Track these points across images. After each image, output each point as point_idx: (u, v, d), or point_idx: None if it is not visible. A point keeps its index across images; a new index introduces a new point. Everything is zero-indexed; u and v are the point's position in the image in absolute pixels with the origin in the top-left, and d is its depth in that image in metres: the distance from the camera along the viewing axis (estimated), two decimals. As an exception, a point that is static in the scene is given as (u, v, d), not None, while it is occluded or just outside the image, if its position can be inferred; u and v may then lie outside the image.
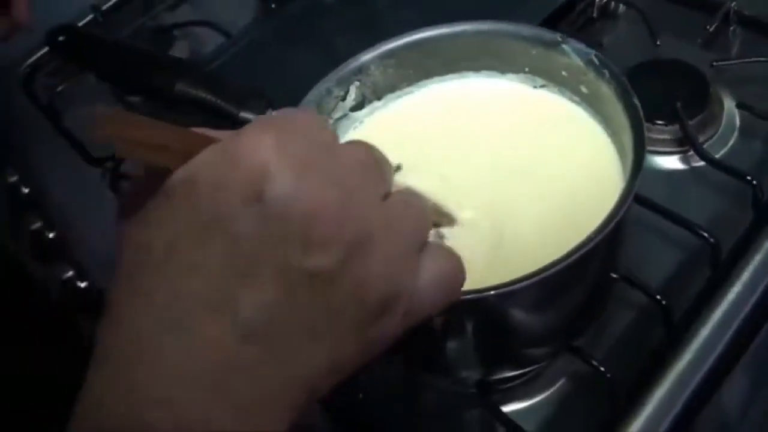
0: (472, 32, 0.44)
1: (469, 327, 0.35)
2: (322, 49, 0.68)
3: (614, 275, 0.41)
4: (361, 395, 0.45)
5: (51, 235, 0.64)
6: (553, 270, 0.31)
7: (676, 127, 0.53)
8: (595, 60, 0.40)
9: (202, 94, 0.38)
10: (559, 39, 0.41)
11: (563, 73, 0.42)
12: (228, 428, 0.24)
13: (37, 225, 0.64)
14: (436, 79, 0.46)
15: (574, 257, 0.32)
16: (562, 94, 0.43)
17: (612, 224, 0.32)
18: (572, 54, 0.41)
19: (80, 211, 0.63)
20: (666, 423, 0.40)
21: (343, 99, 0.44)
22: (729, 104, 0.56)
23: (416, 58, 0.45)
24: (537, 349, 0.40)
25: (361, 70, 0.44)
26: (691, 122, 0.53)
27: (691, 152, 0.53)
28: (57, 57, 0.74)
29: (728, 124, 0.55)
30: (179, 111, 0.39)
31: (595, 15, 0.65)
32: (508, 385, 0.44)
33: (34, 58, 0.74)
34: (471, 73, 0.46)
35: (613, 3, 0.66)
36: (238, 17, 0.75)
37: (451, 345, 0.37)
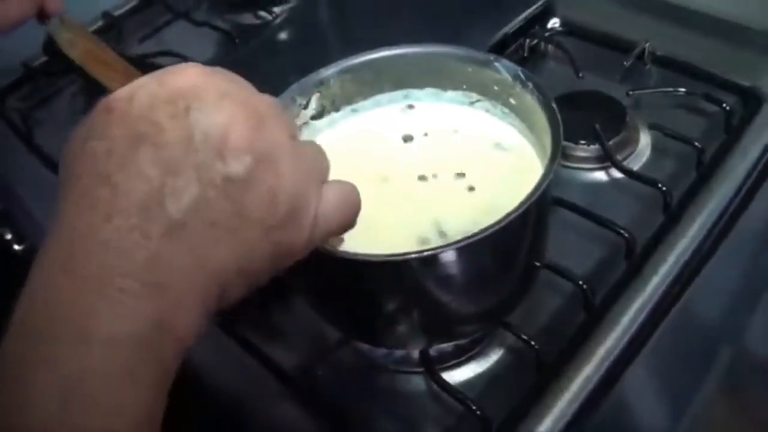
0: (417, 53, 0.50)
1: (403, 291, 0.41)
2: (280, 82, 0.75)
3: (537, 263, 0.47)
4: (320, 372, 0.49)
5: (18, 248, 0.68)
6: (471, 240, 0.37)
7: (597, 145, 0.61)
8: (521, 74, 0.46)
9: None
10: (492, 58, 0.48)
11: (495, 87, 0.49)
12: (149, 314, 0.27)
13: (7, 237, 0.67)
14: (387, 94, 0.52)
15: (489, 231, 0.37)
16: (494, 106, 0.50)
17: (526, 205, 0.38)
18: (502, 70, 0.48)
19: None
20: (586, 391, 0.46)
21: (305, 107, 0.50)
22: (643, 127, 0.63)
23: (369, 75, 0.51)
24: (471, 321, 0.45)
25: (322, 83, 0.50)
26: (609, 142, 0.61)
27: (611, 167, 0.60)
28: (30, 81, 0.79)
29: (644, 144, 0.63)
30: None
31: (525, 54, 0.73)
32: (452, 362, 0.50)
33: (7, 81, 0.78)
34: (416, 90, 0.52)
35: (542, 43, 0.74)
36: (204, 50, 0.81)
37: (390, 308, 0.42)
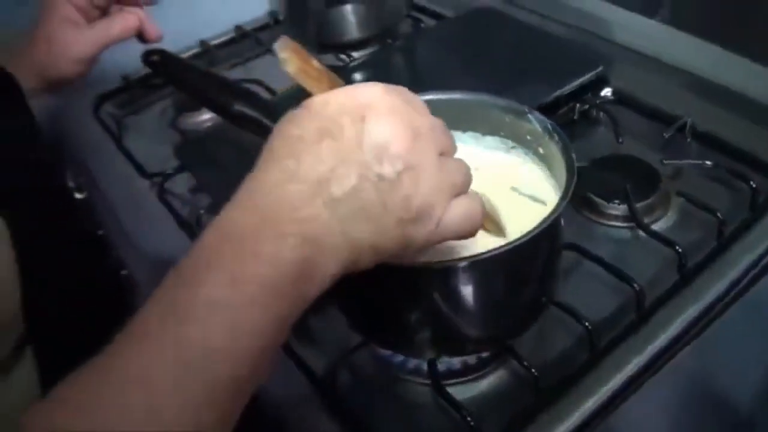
0: (464, 100, 0.57)
1: (418, 299, 0.47)
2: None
3: (544, 297, 0.51)
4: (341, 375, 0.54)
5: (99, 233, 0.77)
6: (478, 257, 0.43)
7: (626, 205, 0.65)
8: (549, 126, 0.52)
9: (255, 114, 0.51)
10: (526, 110, 0.54)
11: (528, 137, 0.55)
12: (301, 254, 0.36)
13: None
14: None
15: (498, 251, 0.43)
16: (526, 154, 0.56)
17: (534, 232, 0.44)
18: (534, 122, 0.53)
19: (128, 215, 0.75)
20: (578, 419, 0.50)
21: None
22: (674, 194, 0.67)
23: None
24: (477, 338, 0.50)
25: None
26: (639, 204, 0.65)
27: (636, 227, 0.64)
28: (127, 91, 0.89)
29: (673, 210, 0.67)
30: (237, 125, 0.51)
31: (575, 117, 0.78)
32: (459, 379, 0.54)
33: (104, 90, 0.89)
34: (460, 132, 0.58)
35: (593, 109, 0.79)
36: (285, 83, 0.89)
37: (405, 314, 0.48)
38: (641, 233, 0.64)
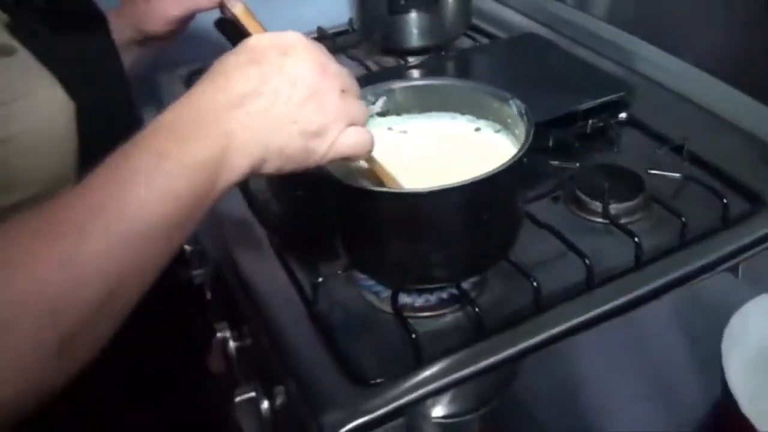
0: (461, 86, 0.68)
1: (393, 223, 0.58)
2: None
3: (498, 247, 0.61)
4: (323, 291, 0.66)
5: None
6: (450, 186, 0.54)
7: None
8: (523, 110, 0.62)
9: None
10: (509, 97, 0.64)
11: (508, 120, 0.65)
12: (220, 144, 0.47)
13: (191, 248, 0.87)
14: (434, 113, 0.70)
15: (460, 184, 0.54)
16: (506, 135, 0.66)
17: (495, 171, 0.55)
18: (513, 107, 0.64)
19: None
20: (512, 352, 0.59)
21: (373, 104, 0.68)
22: (654, 201, 0.75)
23: (425, 95, 0.69)
24: (436, 268, 0.60)
25: (389, 91, 0.68)
26: (622, 204, 0.74)
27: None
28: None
29: (654, 215, 0.74)
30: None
31: (588, 131, 0.87)
32: (416, 314, 0.65)
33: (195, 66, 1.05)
34: (458, 114, 0.69)
35: (608, 129, 0.88)
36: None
37: (377, 238, 0.59)
38: (615, 229, 0.72)
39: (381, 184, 0.59)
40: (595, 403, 0.65)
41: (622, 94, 0.89)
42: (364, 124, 0.54)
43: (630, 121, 0.88)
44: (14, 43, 0.54)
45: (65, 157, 0.57)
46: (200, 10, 0.84)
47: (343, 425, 0.55)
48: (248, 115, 0.48)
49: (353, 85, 0.54)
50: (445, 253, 0.59)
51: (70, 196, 0.45)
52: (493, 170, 0.55)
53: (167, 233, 0.46)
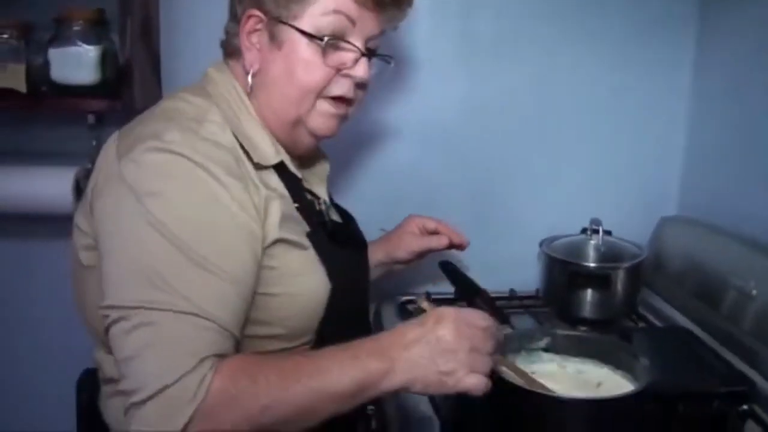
0: (605, 340, 0.96)
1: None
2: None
3: None
4: None
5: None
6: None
7: None
8: (642, 361, 0.88)
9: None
10: (637, 354, 0.91)
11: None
12: (378, 369, 0.83)
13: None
14: (585, 358, 0.98)
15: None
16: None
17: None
18: (641, 359, 0.90)
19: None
20: None
21: (540, 341, 0.98)
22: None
23: (579, 347, 0.98)
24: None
25: (553, 336, 0.98)
26: None
27: None
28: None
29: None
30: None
31: (712, 413, 1.07)
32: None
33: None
34: (598, 360, 0.96)
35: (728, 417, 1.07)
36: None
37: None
38: None
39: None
40: None
41: (743, 388, 1.08)
42: (485, 373, 0.84)
43: (751, 413, 1.07)
44: (307, 243, 0.94)
45: (312, 318, 0.95)
46: (432, 250, 1.26)
47: None
48: (408, 354, 0.82)
49: (484, 343, 0.84)
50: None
51: (312, 356, 0.85)
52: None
53: (347, 399, 0.82)
